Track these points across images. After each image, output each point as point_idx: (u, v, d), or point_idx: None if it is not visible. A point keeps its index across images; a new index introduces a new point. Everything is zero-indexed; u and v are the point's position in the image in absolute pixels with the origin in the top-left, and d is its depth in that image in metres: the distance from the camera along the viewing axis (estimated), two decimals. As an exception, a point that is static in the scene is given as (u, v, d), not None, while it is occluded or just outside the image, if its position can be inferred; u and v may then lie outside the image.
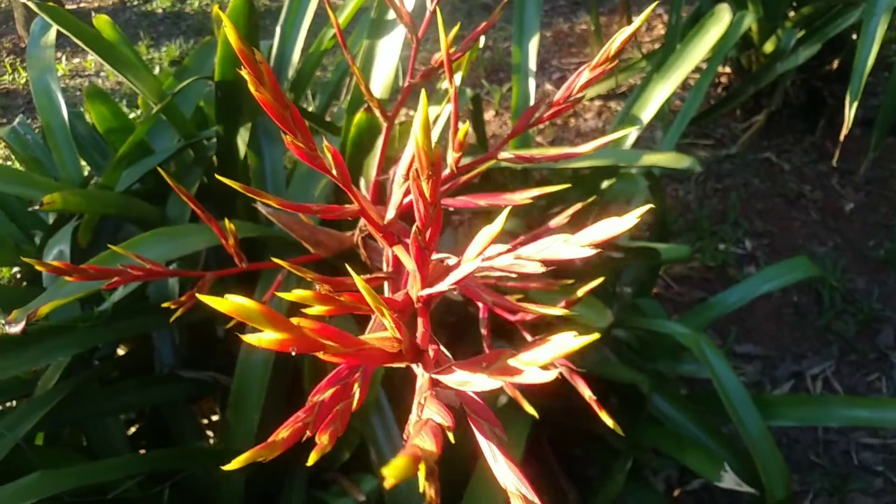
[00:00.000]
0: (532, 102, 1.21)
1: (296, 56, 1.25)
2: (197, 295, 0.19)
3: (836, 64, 2.16)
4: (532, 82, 1.21)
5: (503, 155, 0.42)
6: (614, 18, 2.95)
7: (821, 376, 1.58)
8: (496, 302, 0.43)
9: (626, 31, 0.37)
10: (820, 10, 1.88)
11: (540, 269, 0.29)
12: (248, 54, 0.29)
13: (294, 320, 0.19)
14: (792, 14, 2.07)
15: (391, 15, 0.91)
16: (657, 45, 2.71)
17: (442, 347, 0.36)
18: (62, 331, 0.82)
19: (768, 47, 2.06)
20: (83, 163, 1.27)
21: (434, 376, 0.23)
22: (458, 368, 0.22)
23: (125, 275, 0.49)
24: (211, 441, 1.14)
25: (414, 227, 0.27)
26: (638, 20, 0.36)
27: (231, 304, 0.18)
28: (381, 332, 0.24)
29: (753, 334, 1.67)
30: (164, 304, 0.52)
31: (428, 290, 0.28)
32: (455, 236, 1.12)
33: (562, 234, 0.29)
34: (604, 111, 2.48)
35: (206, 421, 1.17)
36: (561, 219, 0.58)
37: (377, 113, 0.54)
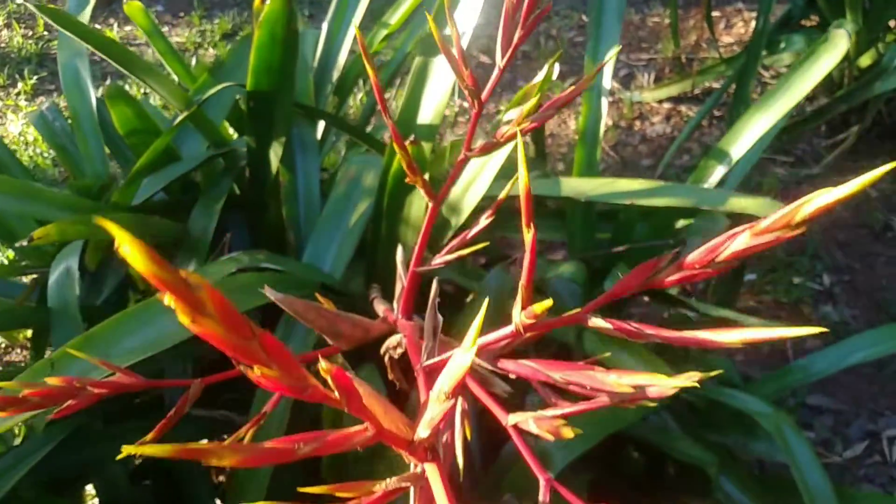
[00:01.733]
0: (604, 125, 1.07)
1: (342, 57, 1.13)
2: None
3: (939, 82, 1.94)
4: (605, 102, 1.07)
5: (595, 322, 0.29)
6: (691, 12, 2.74)
7: (899, 438, 1.42)
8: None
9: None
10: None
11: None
12: (168, 279, 0.17)
13: None
14: (894, 25, 1.87)
15: (449, 29, 0.78)
16: (736, 47, 2.52)
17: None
18: None
19: (865, 60, 1.86)
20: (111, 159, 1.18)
21: None
22: None
23: (82, 395, 0.38)
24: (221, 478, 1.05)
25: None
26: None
27: None
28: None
29: (826, 384, 1.51)
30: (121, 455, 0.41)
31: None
32: (504, 275, 1.00)
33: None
34: (673, 115, 2.30)
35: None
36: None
37: (422, 191, 0.42)
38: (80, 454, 0.83)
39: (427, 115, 0.80)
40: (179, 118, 0.87)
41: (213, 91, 0.88)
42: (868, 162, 2.00)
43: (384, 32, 1.10)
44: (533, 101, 0.38)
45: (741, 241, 0.27)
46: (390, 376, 0.46)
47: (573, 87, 0.40)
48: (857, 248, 1.77)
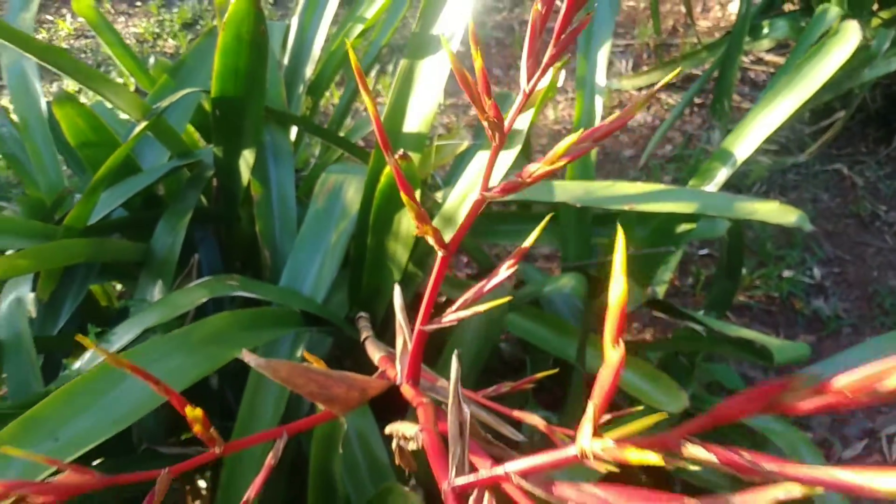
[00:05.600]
0: (598, 121, 1.00)
1: (316, 51, 1.05)
2: None
3: (922, 66, 1.91)
4: (599, 99, 1.00)
5: (692, 452, 0.23)
6: (667, -3, 2.69)
7: (897, 435, 1.39)
8: None
9: None
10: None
11: None
12: None
13: None
14: (877, 8, 1.82)
15: (437, 28, 0.70)
16: (716, 33, 2.47)
17: None
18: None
19: (850, 45, 1.82)
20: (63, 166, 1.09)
21: None
22: None
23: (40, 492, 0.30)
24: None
25: None
26: None
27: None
28: None
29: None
30: None
31: None
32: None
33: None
34: (653, 103, 2.25)
35: (188, 486, 1.00)
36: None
37: (431, 241, 0.35)
38: None
39: (414, 123, 0.73)
40: (138, 129, 0.78)
41: (173, 98, 0.80)
42: (853, 148, 1.97)
43: (360, 27, 1.01)
44: (571, 140, 0.31)
45: None
46: (397, 461, 0.39)
47: (618, 117, 0.33)
48: (845, 238, 1.74)
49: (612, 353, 0.21)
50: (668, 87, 2.25)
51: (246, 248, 0.97)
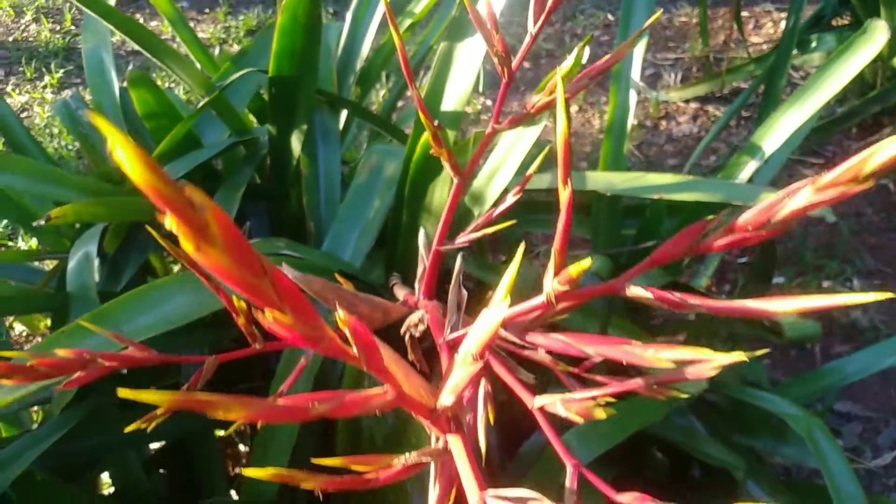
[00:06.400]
0: (631, 118, 1.05)
1: (366, 46, 1.12)
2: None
3: (976, 83, 1.89)
4: (633, 96, 1.04)
5: (634, 291, 0.27)
6: (719, 12, 2.70)
7: (931, 447, 1.38)
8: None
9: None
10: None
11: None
12: (168, 193, 0.15)
13: None
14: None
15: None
16: (766, 47, 2.48)
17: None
18: None
19: (899, 60, 1.82)
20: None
21: None
22: None
23: (91, 367, 0.36)
24: (238, 470, 1.04)
25: None
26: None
27: None
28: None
29: (853, 390, 1.47)
30: (130, 428, 0.40)
31: None
32: (528, 268, 0.97)
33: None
34: (700, 115, 2.27)
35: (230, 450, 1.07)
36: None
37: (446, 166, 0.40)
38: (94, 440, 0.82)
39: (451, 102, 0.79)
40: (202, 102, 0.86)
41: (235, 76, 0.87)
42: (901, 165, 1.96)
43: (408, 22, 1.09)
44: (573, 63, 0.36)
45: (802, 197, 0.24)
46: (410, 357, 0.44)
47: (609, 57, 0.38)
48: (888, 252, 1.73)
49: (564, 193, 0.26)
50: (716, 99, 2.27)
51: (293, 223, 1.03)
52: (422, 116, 0.37)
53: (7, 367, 0.33)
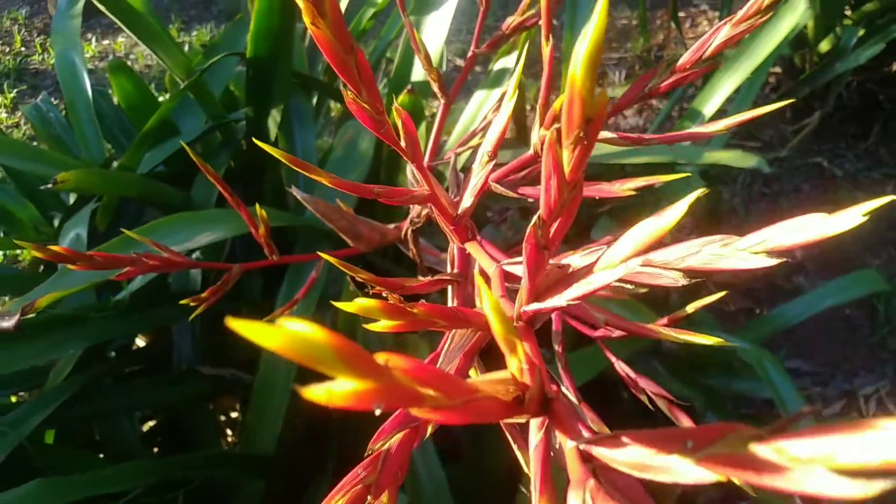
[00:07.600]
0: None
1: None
2: (228, 324, 0.12)
3: (894, 66, 2.05)
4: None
5: (604, 135, 0.34)
6: (657, 13, 2.85)
7: (874, 396, 1.49)
8: (611, 321, 0.35)
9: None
10: (885, 6, 1.77)
11: (681, 280, 0.22)
12: None
13: (380, 357, 0.12)
14: (849, 12, 1.96)
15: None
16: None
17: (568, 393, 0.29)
18: (74, 321, 0.76)
19: (824, 46, 1.96)
20: (107, 144, 1.22)
21: (586, 449, 0.15)
22: (626, 440, 0.14)
23: (139, 264, 0.42)
24: (230, 439, 1.08)
25: (535, 219, 0.19)
26: None
27: (284, 334, 0.10)
28: (495, 374, 0.16)
29: (802, 348, 1.57)
30: (183, 301, 0.45)
31: (538, 305, 0.21)
32: (496, 231, 1.04)
33: (714, 238, 0.22)
34: (644, 108, 2.38)
35: (224, 418, 1.10)
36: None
37: (434, 86, 0.47)
38: (91, 406, 0.86)
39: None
40: (183, 85, 0.91)
41: (216, 58, 0.93)
42: (833, 144, 2.09)
43: (371, 11, 1.15)
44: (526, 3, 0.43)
45: (722, 33, 0.32)
46: (410, 254, 0.50)
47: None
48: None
49: (546, 47, 0.32)
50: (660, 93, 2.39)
51: (272, 201, 1.09)
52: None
53: (73, 253, 0.38)
